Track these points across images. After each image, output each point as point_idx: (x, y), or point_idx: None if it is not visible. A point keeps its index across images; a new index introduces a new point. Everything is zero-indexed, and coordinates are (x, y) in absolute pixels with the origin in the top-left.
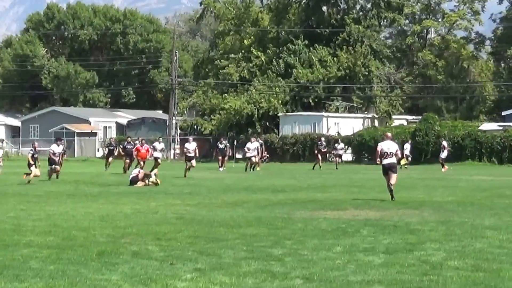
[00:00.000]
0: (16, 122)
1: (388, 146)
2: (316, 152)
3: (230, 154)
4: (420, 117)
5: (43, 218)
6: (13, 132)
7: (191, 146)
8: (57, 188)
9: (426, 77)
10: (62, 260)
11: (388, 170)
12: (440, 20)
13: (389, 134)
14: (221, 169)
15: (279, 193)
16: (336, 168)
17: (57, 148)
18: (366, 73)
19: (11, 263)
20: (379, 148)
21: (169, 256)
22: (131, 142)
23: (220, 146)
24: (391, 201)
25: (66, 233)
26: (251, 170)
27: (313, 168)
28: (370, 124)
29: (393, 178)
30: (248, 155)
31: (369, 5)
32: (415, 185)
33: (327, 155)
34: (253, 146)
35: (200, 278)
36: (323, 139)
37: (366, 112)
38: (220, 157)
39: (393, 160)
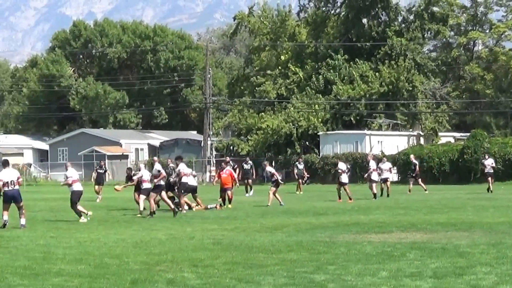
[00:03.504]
0: (44, 146)
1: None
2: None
3: (255, 176)
4: (468, 134)
5: (74, 245)
6: (41, 156)
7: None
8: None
9: (474, 92)
10: None
11: None
12: (487, 31)
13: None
14: (247, 194)
15: (320, 216)
16: (382, 195)
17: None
18: (410, 89)
19: None
20: None
21: (206, 284)
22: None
23: (246, 166)
24: (439, 223)
25: (98, 261)
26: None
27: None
28: (415, 142)
29: None
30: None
31: (411, 17)
32: (464, 205)
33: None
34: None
35: None
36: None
37: (411, 129)
38: (246, 180)
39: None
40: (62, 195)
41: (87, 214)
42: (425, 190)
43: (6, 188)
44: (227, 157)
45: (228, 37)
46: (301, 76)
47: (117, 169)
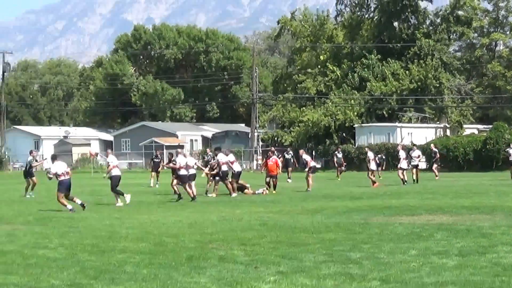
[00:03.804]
0: (109, 137)
1: None
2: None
3: (296, 165)
4: (491, 126)
5: (135, 226)
6: (106, 146)
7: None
8: (148, 198)
9: (496, 88)
10: (154, 265)
11: None
12: (508, 32)
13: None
14: (289, 180)
15: (356, 200)
16: (414, 181)
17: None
18: (437, 85)
19: (107, 268)
20: None
21: (253, 260)
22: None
23: (287, 156)
24: (464, 207)
25: (157, 240)
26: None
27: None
28: (442, 134)
29: None
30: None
31: (438, 20)
32: (487, 191)
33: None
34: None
35: (282, 280)
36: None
37: (438, 122)
38: (287, 168)
39: None
40: (125, 181)
41: (124, 196)
42: (436, 176)
43: (63, 178)
44: (272, 147)
45: (273, 39)
46: (338, 74)
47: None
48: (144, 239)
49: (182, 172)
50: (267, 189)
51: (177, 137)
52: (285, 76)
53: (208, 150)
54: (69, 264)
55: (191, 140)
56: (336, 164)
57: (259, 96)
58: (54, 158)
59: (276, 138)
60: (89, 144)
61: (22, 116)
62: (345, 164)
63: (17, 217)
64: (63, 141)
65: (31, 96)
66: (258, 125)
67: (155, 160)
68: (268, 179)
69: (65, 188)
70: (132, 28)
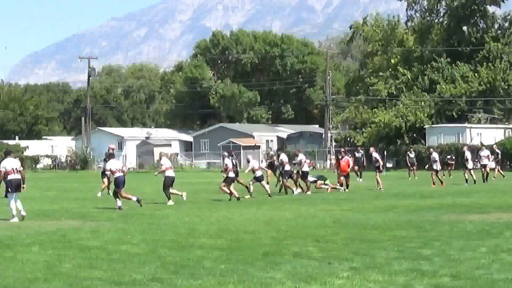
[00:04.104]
0: (189, 138)
1: None
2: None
3: (364, 164)
4: None
5: (214, 222)
6: (186, 146)
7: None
8: (225, 196)
9: None
10: (231, 260)
11: None
12: None
13: None
14: (360, 180)
15: (427, 199)
16: (484, 182)
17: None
18: (506, 87)
19: (187, 263)
20: None
21: (327, 257)
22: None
23: (357, 155)
24: None
25: (234, 236)
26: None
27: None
28: (511, 134)
29: None
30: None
31: (506, 24)
32: None
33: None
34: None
35: (355, 276)
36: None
37: (507, 123)
38: (356, 167)
39: None
40: (204, 179)
41: (182, 196)
42: (494, 177)
43: (117, 174)
44: (342, 148)
45: (345, 44)
46: (409, 77)
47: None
48: (222, 236)
49: (230, 174)
50: (338, 187)
51: (254, 138)
52: (357, 79)
53: (271, 151)
54: (150, 259)
55: (267, 141)
56: (408, 164)
57: (332, 98)
58: (109, 156)
59: (348, 139)
60: (169, 145)
61: (107, 118)
62: (416, 164)
63: (101, 214)
64: (145, 142)
65: (115, 99)
66: (331, 126)
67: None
68: (341, 178)
69: (122, 183)
70: (210, 34)
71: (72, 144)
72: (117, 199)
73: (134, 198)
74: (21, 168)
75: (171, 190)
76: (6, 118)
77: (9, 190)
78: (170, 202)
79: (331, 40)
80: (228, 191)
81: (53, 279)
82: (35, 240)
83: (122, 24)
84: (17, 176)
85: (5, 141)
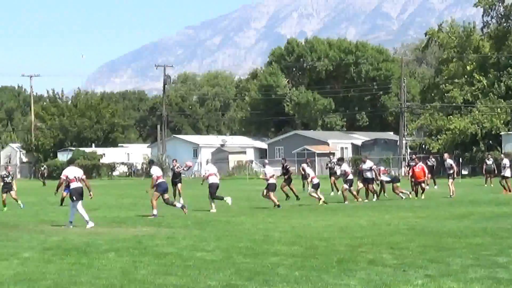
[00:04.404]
0: (263, 145)
1: None
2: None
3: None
4: None
5: (288, 230)
6: (261, 153)
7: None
8: (299, 202)
9: None
10: (306, 267)
11: None
12: None
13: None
14: (435, 186)
15: (503, 206)
16: None
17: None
18: None
19: (261, 270)
20: None
21: (402, 264)
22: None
23: (429, 163)
24: None
25: (309, 243)
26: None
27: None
28: None
29: None
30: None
31: None
32: None
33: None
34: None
35: (430, 284)
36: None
37: None
38: (429, 175)
39: None
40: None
41: (224, 200)
42: None
43: (160, 180)
44: (413, 155)
45: (420, 51)
46: (485, 84)
47: (324, 164)
48: (296, 243)
49: (271, 181)
50: (410, 193)
51: (328, 145)
52: (433, 86)
53: (331, 157)
54: (224, 266)
55: (342, 148)
56: (484, 171)
57: (407, 105)
58: (151, 163)
59: (423, 146)
60: (244, 152)
61: (182, 125)
62: (494, 170)
63: (176, 221)
64: (220, 149)
65: (190, 107)
66: (406, 133)
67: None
68: (417, 187)
69: (162, 189)
70: (285, 41)
71: (148, 152)
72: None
73: (155, 212)
74: (84, 177)
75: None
76: (83, 125)
77: (74, 198)
78: (213, 210)
79: (406, 47)
80: (273, 198)
81: (128, 286)
82: (111, 246)
83: (197, 32)
84: (79, 184)
85: (81, 149)
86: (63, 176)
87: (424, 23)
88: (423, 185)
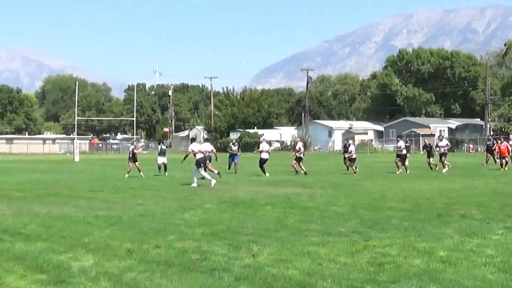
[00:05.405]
0: (380, 128)
1: None
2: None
3: None
4: None
5: (399, 191)
6: (378, 134)
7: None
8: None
9: None
10: (412, 219)
11: None
12: None
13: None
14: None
15: None
16: None
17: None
18: None
19: (378, 220)
20: None
21: (486, 218)
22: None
23: (510, 142)
24: None
25: (415, 201)
26: None
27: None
28: None
29: None
30: None
31: None
32: None
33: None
34: None
35: (508, 233)
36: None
37: None
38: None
39: None
40: (390, 159)
41: (265, 174)
42: None
43: (198, 156)
44: (498, 136)
45: (501, 57)
46: None
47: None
48: (405, 201)
49: (298, 155)
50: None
51: (430, 128)
52: (510, 83)
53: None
54: (351, 217)
55: (440, 130)
56: None
57: (491, 98)
58: (192, 140)
59: (503, 129)
60: (366, 133)
61: (320, 113)
62: None
63: (315, 183)
64: (348, 131)
65: (326, 100)
66: (489, 120)
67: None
68: (502, 160)
69: (203, 161)
70: (397, 51)
71: (295, 132)
72: (195, 178)
73: (216, 171)
74: (210, 149)
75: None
76: (248, 113)
77: (199, 165)
78: (267, 175)
79: (490, 54)
80: (296, 168)
81: (281, 230)
82: (268, 201)
83: (331, 44)
84: (202, 155)
85: (246, 130)
86: (189, 150)
87: (504, 36)
88: (506, 159)
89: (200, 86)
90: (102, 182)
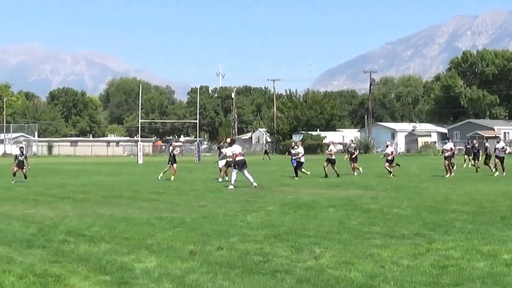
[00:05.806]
0: (444, 130)
1: None
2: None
3: None
4: None
5: (462, 193)
6: (442, 136)
7: None
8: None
9: None
10: (476, 222)
11: None
12: None
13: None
14: None
15: None
16: None
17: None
18: None
19: (442, 223)
20: None
21: None
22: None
23: None
24: None
25: (478, 204)
26: None
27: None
28: None
29: None
30: None
31: None
32: None
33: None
34: None
35: None
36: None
37: None
38: None
39: None
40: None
41: (297, 176)
42: None
43: (238, 158)
44: None
45: None
46: None
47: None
48: (469, 203)
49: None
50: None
51: (494, 130)
52: None
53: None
54: (414, 219)
55: (504, 132)
56: None
57: None
58: (232, 142)
59: None
60: (430, 135)
61: (383, 115)
62: None
63: (378, 185)
64: (411, 133)
65: (389, 102)
66: None
67: (467, 146)
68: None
69: (241, 164)
70: (461, 53)
71: (358, 135)
72: (231, 176)
73: (251, 180)
74: (243, 152)
75: (303, 170)
76: (311, 115)
77: (237, 167)
78: (297, 178)
79: None
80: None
81: (343, 232)
82: (331, 203)
83: (394, 46)
84: (242, 157)
85: (309, 132)
86: (230, 153)
87: None
88: None
89: (263, 88)
90: (165, 184)
